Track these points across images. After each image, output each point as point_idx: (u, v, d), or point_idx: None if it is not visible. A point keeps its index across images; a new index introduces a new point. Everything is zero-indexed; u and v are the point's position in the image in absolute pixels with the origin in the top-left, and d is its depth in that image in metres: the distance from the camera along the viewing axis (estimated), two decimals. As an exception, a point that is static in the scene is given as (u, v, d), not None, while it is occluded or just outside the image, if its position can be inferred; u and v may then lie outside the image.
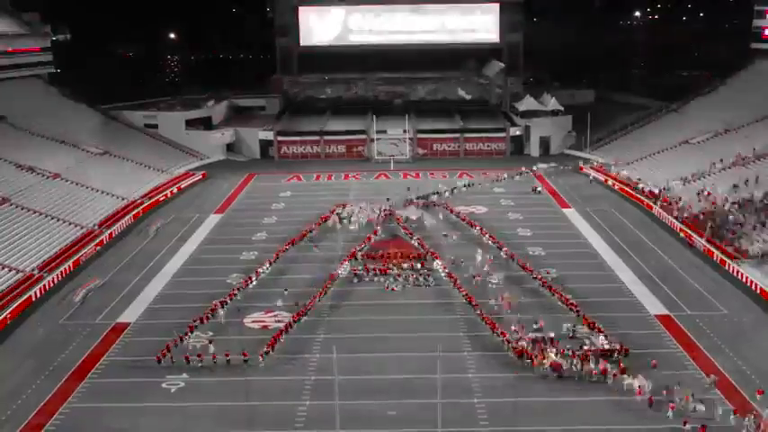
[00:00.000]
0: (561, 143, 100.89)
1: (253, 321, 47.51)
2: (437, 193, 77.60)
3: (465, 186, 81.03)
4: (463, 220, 66.82)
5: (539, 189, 79.90)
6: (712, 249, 58.48)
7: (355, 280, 54.08)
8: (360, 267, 55.83)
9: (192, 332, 45.17)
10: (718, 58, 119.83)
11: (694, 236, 61.90)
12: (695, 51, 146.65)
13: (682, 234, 63.89)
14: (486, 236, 61.72)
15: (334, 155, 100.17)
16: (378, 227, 64.95)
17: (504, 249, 58.57)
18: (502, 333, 44.00)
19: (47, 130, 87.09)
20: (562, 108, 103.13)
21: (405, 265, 55.85)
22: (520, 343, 42.47)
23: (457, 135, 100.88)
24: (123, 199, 76.17)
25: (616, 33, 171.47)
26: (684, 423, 34.70)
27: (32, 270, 56.42)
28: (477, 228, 64.03)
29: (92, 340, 45.86)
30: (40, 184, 73.13)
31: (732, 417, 35.11)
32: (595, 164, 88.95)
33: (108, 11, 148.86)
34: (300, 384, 39.92)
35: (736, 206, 63.94)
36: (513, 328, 44.74)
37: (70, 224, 66.63)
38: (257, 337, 44.93)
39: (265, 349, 42.58)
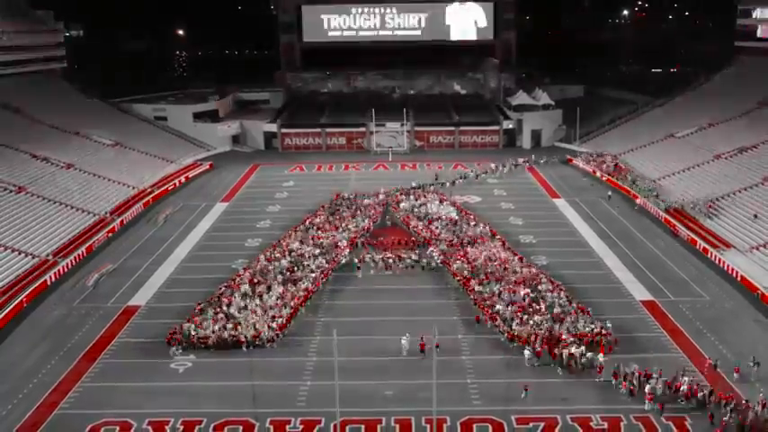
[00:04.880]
0: (552, 136, 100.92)
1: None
2: (440, 183, 77.69)
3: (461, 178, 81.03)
4: (460, 209, 66.71)
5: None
6: (696, 238, 58.59)
7: (356, 265, 54.05)
8: (361, 254, 55.85)
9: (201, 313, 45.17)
10: (704, 55, 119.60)
11: (678, 225, 62.04)
12: (681, 48, 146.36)
13: (667, 224, 64.12)
14: (482, 225, 61.55)
15: (334, 146, 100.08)
16: (377, 215, 64.92)
17: (499, 238, 58.41)
18: (493, 317, 44.13)
19: (60, 123, 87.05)
20: (553, 102, 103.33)
21: (403, 252, 55.94)
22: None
23: (452, 128, 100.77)
24: (134, 188, 76.13)
25: (605, 31, 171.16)
26: (661, 407, 34.97)
27: (47, 255, 56.45)
28: (471, 217, 63.96)
29: (104, 322, 45.93)
30: (54, 174, 73.10)
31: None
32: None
33: (118, 9, 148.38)
34: (302, 365, 40.03)
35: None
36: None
37: (83, 212, 66.61)
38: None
39: (276, 332, 42.72)
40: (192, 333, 42.33)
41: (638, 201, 70.13)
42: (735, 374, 37.67)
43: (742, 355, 39.21)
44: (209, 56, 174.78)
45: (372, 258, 54.72)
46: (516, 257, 53.74)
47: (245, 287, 48.26)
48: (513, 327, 42.50)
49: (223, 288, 48.61)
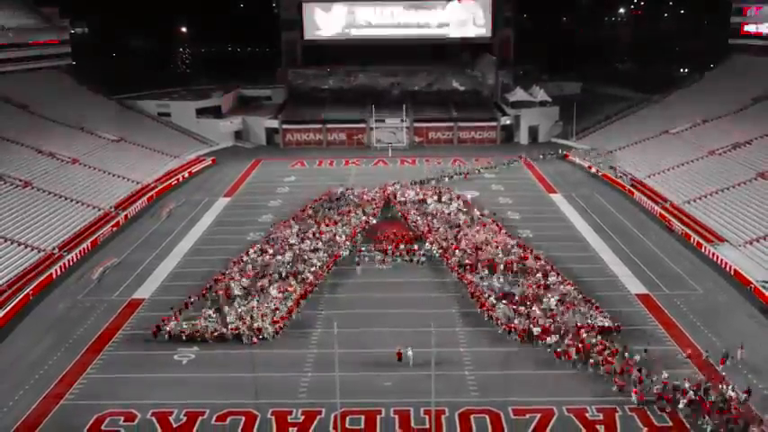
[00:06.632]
0: (549, 132, 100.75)
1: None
2: (441, 178, 77.71)
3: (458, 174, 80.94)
4: (465, 202, 66.73)
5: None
6: (690, 233, 58.55)
7: (356, 259, 54.01)
8: (363, 248, 56.02)
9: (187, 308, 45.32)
10: (698, 53, 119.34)
11: (673, 221, 62.05)
12: (676, 46, 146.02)
13: (662, 219, 64.16)
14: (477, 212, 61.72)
15: (335, 142, 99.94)
16: (377, 209, 64.83)
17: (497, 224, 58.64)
18: (489, 310, 44.13)
19: (66, 119, 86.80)
20: (550, 99, 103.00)
21: (400, 246, 55.95)
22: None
23: (451, 124, 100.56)
24: (138, 183, 75.99)
25: (601, 29, 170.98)
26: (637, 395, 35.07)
27: (53, 249, 56.40)
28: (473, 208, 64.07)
29: (108, 315, 45.94)
30: (59, 169, 72.94)
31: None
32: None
33: (122, 7, 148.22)
34: (303, 357, 40.04)
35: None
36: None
37: (88, 206, 66.52)
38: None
39: (278, 326, 42.79)
40: (185, 327, 42.43)
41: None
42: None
43: (734, 347, 39.16)
44: (212, 53, 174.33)
45: (370, 252, 54.74)
46: (514, 241, 54.85)
47: (244, 281, 48.28)
48: (515, 321, 42.58)
49: (212, 282, 48.76)
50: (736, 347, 38.89)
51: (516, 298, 45.40)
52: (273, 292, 46.47)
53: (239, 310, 44.09)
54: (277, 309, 44.28)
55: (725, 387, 34.95)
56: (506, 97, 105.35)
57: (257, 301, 45.30)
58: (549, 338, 40.45)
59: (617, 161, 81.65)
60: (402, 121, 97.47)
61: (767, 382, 36.53)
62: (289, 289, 47.07)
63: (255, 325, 42.30)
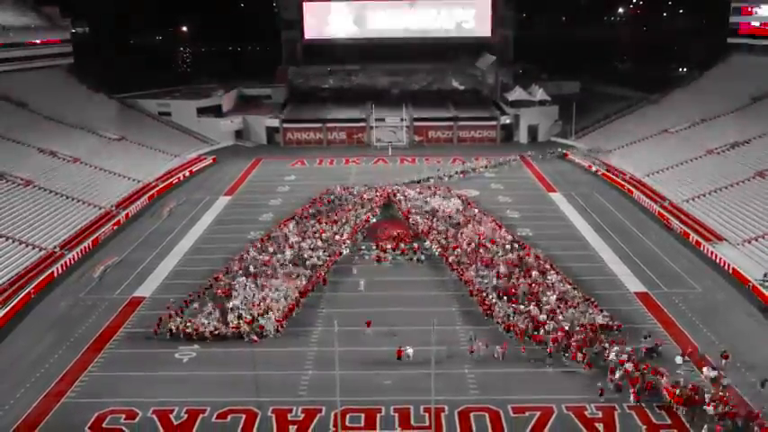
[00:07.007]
0: (548, 131, 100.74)
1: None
2: (439, 177, 77.72)
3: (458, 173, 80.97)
4: (466, 200, 66.83)
5: None
6: (689, 232, 58.58)
7: (356, 258, 54.06)
8: (363, 246, 56.16)
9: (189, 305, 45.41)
10: (697, 52, 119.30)
11: (672, 219, 62.09)
12: (675, 46, 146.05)
13: (660, 218, 64.19)
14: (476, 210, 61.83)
15: (335, 141, 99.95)
16: (377, 208, 64.85)
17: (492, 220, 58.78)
18: (490, 309, 44.15)
19: (67, 118, 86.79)
20: (549, 98, 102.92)
21: (401, 245, 55.97)
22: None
23: (451, 123, 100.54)
24: (139, 182, 75.99)
25: (601, 28, 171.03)
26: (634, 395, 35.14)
27: (54, 248, 56.41)
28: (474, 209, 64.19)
29: (109, 313, 45.95)
30: (61, 168, 72.94)
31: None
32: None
33: (123, 6, 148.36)
34: (303, 355, 40.06)
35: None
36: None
37: (89, 205, 66.53)
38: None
39: (279, 325, 42.85)
40: (187, 325, 42.44)
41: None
42: (723, 361, 37.97)
43: (732, 346, 39.22)
44: (212, 52, 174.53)
45: (371, 250, 54.78)
46: (509, 235, 55.61)
47: (242, 279, 48.33)
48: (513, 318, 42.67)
49: (213, 281, 48.82)
50: (729, 353, 38.68)
51: (515, 296, 45.46)
52: (275, 291, 46.50)
53: (239, 308, 44.12)
54: (279, 309, 44.29)
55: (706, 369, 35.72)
56: (506, 96, 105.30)
57: (258, 299, 45.35)
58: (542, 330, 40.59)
59: (607, 157, 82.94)
60: (402, 120, 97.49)
61: (765, 380, 36.55)
62: (290, 286, 47.13)
63: (255, 323, 42.29)
